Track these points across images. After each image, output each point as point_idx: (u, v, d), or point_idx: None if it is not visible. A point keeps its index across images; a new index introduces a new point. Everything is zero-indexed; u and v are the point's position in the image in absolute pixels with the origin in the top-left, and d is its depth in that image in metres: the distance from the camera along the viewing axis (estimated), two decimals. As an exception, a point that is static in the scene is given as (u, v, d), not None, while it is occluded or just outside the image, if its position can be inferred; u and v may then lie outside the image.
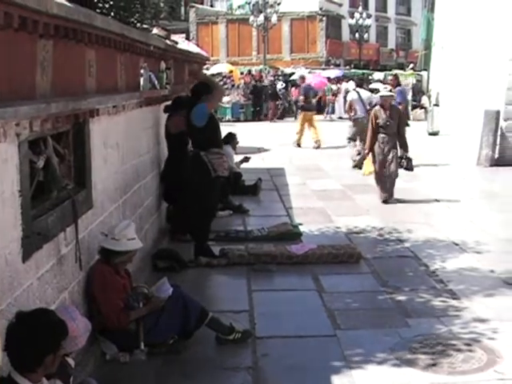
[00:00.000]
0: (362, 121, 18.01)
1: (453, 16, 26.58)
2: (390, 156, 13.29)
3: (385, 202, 13.31)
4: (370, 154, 13.70)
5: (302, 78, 27.44)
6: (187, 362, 6.20)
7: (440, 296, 7.90)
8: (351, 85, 22.71)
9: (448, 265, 9.14)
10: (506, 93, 18.80)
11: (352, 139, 18.83)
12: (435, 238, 10.50)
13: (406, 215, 12.13)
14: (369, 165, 14.13)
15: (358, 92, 19.17)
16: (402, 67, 51.65)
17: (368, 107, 17.80)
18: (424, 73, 39.56)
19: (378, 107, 13.68)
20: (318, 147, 22.97)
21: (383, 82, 30.22)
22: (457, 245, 10.15)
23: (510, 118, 18.78)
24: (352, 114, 18.84)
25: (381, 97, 13.85)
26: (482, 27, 21.49)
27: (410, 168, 13.75)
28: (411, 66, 46.46)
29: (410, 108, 21.16)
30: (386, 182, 13.41)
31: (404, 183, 14.25)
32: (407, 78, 38.25)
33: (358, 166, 17.04)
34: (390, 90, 14.71)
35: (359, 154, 17.51)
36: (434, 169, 17.73)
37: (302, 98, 25.13)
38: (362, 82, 21.44)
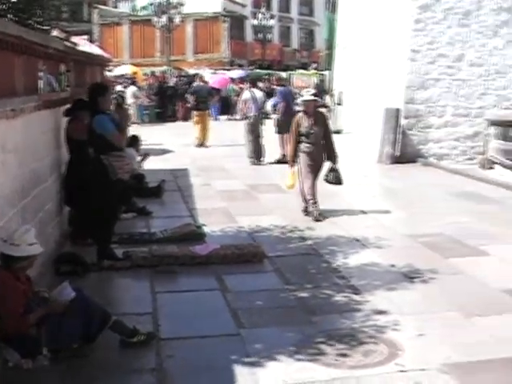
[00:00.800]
0: (255, 119, 19.17)
1: (354, 17, 26.99)
2: (316, 168, 12.03)
3: (317, 220, 11.76)
4: (293, 166, 12.17)
5: (200, 78, 27.61)
6: (91, 365, 6.12)
7: (342, 292, 8.02)
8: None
9: (350, 261, 9.30)
10: (406, 91, 19.26)
11: (248, 137, 19.43)
12: (337, 234, 10.66)
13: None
14: (292, 177, 12.14)
15: (252, 92, 19.86)
16: (305, 67, 52.21)
17: (260, 107, 19.35)
18: (327, 72, 40.05)
19: (300, 113, 12.22)
20: (201, 146, 23.63)
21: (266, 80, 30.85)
22: (358, 241, 10.33)
23: (409, 115, 19.24)
24: (246, 112, 19.53)
25: (303, 102, 12.25)
26: (382, 28, 21.94)
27: (337, 182, 12.33)
28: (314, 65, 47.10)
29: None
30: (311, 194, 12.00)
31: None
32: (310, 78, 38.71)
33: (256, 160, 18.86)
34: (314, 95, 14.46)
35: (255, 151, 19.03)
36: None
37: (191, 98, 25.42)
38: (255, 82, 21.70)
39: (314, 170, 12.02)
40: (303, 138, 11.93)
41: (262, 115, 20.10)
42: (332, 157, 12.09)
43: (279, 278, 8.71)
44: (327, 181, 12.28)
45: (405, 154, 18.86)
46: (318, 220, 11.72)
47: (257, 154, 19.18)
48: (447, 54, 19.44)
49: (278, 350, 6.32)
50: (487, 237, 10.65)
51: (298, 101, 13.88)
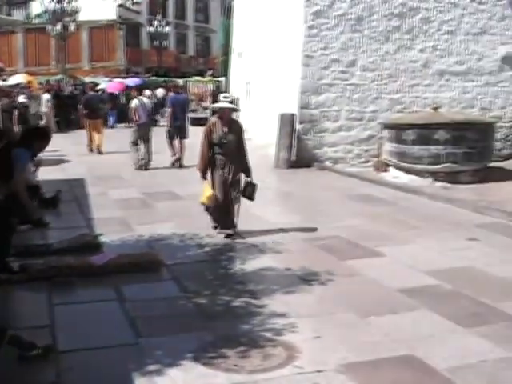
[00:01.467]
0: (145, 126, 19.74)
1: (249, 23, 27.21)
2: (230, 181, 10.92)
3: (229, 236, 10.97)
4: (207, 178, 11.05)
5: (90, 87, 27.52)
6: (-13, 382, 6.00)
7: (240, 297, 8.05)
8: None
9: (247, 266, 9.35)
10: (300, 96, 19.50)
11: (135, 143, 19.68)
12: (235, 241, 10.72)
13: (206, 221, 12.22)
14: (206, 190, 10.87)
15: (140, 99, 20.32)
16: (201, 73, 52.19)
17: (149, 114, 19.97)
18: (223, 79, 40.23)
19: (214, 119, 11.17)
20: (92, 151, 24.06)
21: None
22: (256, 246, 10.40)
23: (304, 120, 19.49)
24: (136, 119, 19.80)
25: (219, 109, 11.28)
26: (277, 33, 22.19)
27: (251, 197, 11.23)
28: (210, 72, 47.16)
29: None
30: (226, 212, 11.01)
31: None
32: (207, 85, 38.75)
33: (144, 166, 19.33)
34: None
35: (143, 158, 19.45)
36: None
37: (80, 106, 25.55)
38: (143, 90, 21.85)
39: (227, 183, 10.89)
40: (216, 148, 10.83)
41: (152, 122, 20.59)
42: (246, 170, 11.08)
43: (177, 285, 8.69)
44: (244, 196, 11.18)
45: (301, 159, 19.09)
46: (228, 236, 10.99)
47: (145, 161, 19.55)
48: (340, 59, 19.79)
49: (177, 357, 6.30)
50: (382, 238, 10.92)
51: (214, 106, 12.97)
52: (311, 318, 7.35)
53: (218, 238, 10.98)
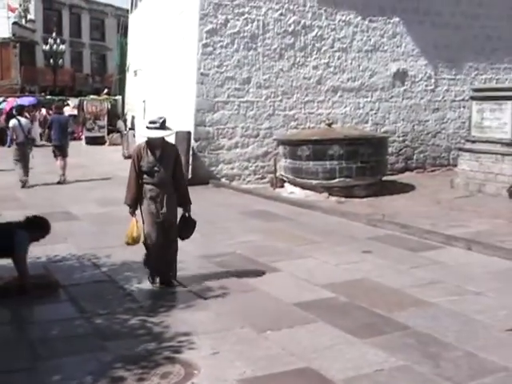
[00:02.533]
0: (22, 145, 19.91)
1: (145, 41, 27.16)
2: (164, 219, 9.12)
3: (167, 284, 9.27)
4: (134, 219, 9.19)
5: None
6: None
7: (137, 316, 8.01)
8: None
9: (144, 285, 9.29)
10: (196, 114, 19.52)
11: (18, 161, 19.87)
12: (132, 260, 10.53)
13: (103, 240, 12.08)
14: (133, 229, 9.11)
15: (18, 119, 20.25)
16: (97, 92, 51.66)
17: (27, 133, 19.96)
18: (119, 97, 39.95)
19: (143, 143, 9.25)
20: None
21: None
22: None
23: (200, 138, 19.52)
24: (15, 138, 20.14)
25: (150, 140, 9.10)
26: (172, 51, 22.23)
27: (187, 236, 9.50)
28: (106, 90, 46.72)
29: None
30: (160, 257, 9.19)
31: (100, 207, 14.24)
32: (103, 103, 38.35)
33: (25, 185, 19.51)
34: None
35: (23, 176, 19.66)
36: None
37: None
38: (22, 110, 21.58)
39: (162, 221, 9.12)
40: (146, 178, 9.05)
41: (29, 141, 20.38)
42: (185, 202, 9.30)
43: (74, 306, 8.56)
44: (180, 235, 9.40)
45: (197, 176, 19.07)
46: (164, 284, 9.34)
47: (23, 179, 19.72)
48: (235, 76, 19.92)
49: (75, 379, 6.22)
50: (278, 253, 11.03)
51: (141, 133, 10.43)
52: (209, 334, 7.35)
53: (115, 257, 10.82)
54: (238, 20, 19.97)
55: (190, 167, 19.17)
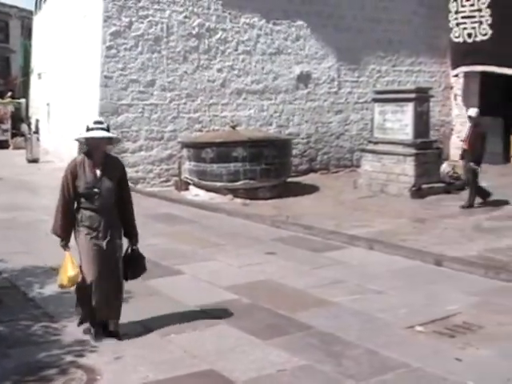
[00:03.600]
0: None
1: (49, 43, 26.73)
2: (109, 253, 7.26)
3: (108, 334, 7.34)
4: (67, 253, 7.23)
5: None
6: None
7: (39, 322, 7.89)
8: None
9: (46, 290, 9.13)
10: (100, 117, 19.25)
11: None
12: (33, 265, 10.40)
13: (4, 246, 11.83)
14: (67, 266, 7.16)
15: None
16: (1, 95, 50.55)
17: None
18: (23, 100, 39.19)
19: (80, 158, 7.27)
20: None
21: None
22: (54, 270, 10.14)
23: (105, 141, 19.25)
24: None
25: (90, 140, 7.23)
26: (76, 54, 21.97)
27: (133, 275, 7.64)
28: (10, 93, 45.75)
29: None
30: (99, 301, 7.23)
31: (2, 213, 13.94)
32: (6, 106, 37.54)
33: None
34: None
35: None
36: (35, 197, 17.62)
37: None
38: None
39: (104, 256, 7.23)
40: (83, 201, 7.19)
41: None
42: (130, 232, 7.52)
43: (-23, 314, 8.36)
44: (125, 275, 7.50)
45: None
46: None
47: None
48: (139, 79, 19.78)
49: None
50: (182, 256, 11.04)
51: (79, 138, 7.50)
52: (111, 340, 7.26)
53: (17, 262, 10.58)
54: (142, 22, 19.83)
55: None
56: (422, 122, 17.51)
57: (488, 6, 23.02)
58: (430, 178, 16.93)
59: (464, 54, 24.07)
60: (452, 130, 25.65)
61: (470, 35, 23.78)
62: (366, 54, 23.42)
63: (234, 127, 18.61)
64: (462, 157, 15.61)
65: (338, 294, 8.85)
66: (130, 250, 7.53)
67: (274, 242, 12.21)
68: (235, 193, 17.14)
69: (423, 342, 7.24)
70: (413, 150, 17.06)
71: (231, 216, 14.87)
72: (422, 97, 18.03)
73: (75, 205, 7.25)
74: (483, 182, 15.46)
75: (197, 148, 17.89)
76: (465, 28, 23.97)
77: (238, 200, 16.82)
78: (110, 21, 19.50)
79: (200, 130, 20.23)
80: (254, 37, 21.38)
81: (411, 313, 8.15)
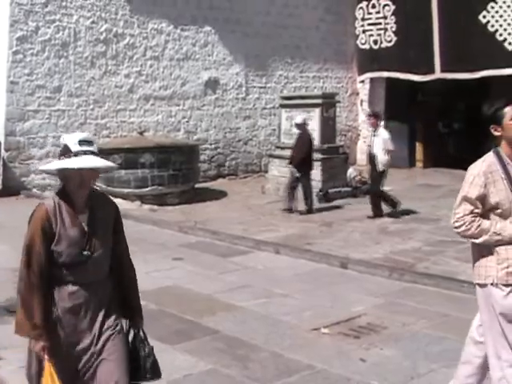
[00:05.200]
0: None
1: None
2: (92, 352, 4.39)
3: None
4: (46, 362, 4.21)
5: None
6: None
7: None
8: None
9: None
10: (6, 124, 18.90)
11: None
12: None
13: None
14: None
15: None
16: None
17: None
18: None
19: (51, 201, 4.37)
20: None
21: None
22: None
23: (11, 148, 18.90)
24: None
25: (61, 172, 4.37)
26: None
27: (145, 375, 4.67)
28: None
29: None
30: None
31: None
32: None
33: None
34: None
35: None
36: None
37: None
38: None
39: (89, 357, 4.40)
40: (64, 273, 4.34)
41: None
42: (133, 309, 4.70)
43: None
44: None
45: (8, 187, 18.46)
46: None
47: None
48: (46, 85, 19.47)
49: None
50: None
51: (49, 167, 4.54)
52: (16, 348, 7.13)
53: None
54: (48, 27, 19.53)
55: (1, 178, 18.55)
56: (328, 128, 17.79)
57: (393, 14, 23.57)
58: (336, 182, 17.21)
59: (370, 60, 24.57)
60: (359, 135, 26.08)
61: (375, 42, 24.28)
62: (273, 60, 23.62)
63: (141, 133, 18.53)
64: (290, 162, 15.82)
65: (244, 299, 8.93)
66: (130, 337, 4.61)
67: (181, 247, 12.21)
68: (143, 199, 17.05)
69: (328, 344, 7.37)
70: (319, 155, 17.29)
71: (139, 222, 14.77)
72: (328, 102, 18.32)
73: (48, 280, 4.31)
74: (386, 187, 15.76)
75: (104, 154, 17.44)
76: (371, 35, 24.46)
77: (146, 206, 16.75)
78: (17, 25, 19.14)
79: (108, 136, 20.05)
80: (162, 42, 21.32)
81: (316, 315, 8.29)
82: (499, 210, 4.87)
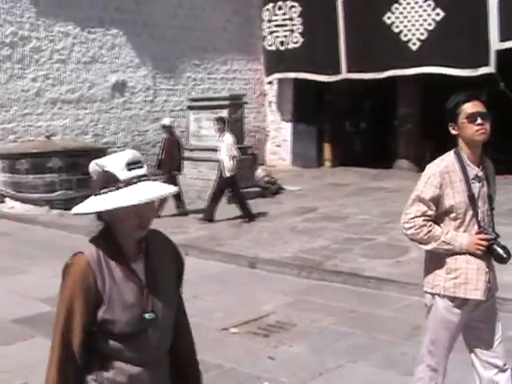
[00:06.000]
0: None
1: None
2: None
3: None
4: None
5: None
6: None
7: None
8: None
9: None
10: None
11: None
12: None
13: None
14: None
15: None
16: None
17: None
18: None
19: (94, 251, 3.03)
20: None
21: None
22: None
23: None
24: None
25: (110, 212, 3.19)
26: None
27: None
28: None
29: None
30: None
31: None
32: None
33: None
34: None
35: None
36: None
37: None
38: None
39: None
40: (116, 349, 2.98)
41: None
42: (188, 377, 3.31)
43: None
44: None
45: None
46: None
47: None
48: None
49: None
50: (-4, 270, 10.72)
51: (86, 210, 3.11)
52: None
53: None
54: (-47, 31, 19.15)
55: None
56: (236, 129, 17.87)
57: (299, 15, 23.82)
58: (245, 183, 17.31)
59: (277, 61, 24.77)
60: (267, 135, 26.27)
61: (282, 43, 24.50)
62: (181, 62, 23.60)
63: (49, 137, 18.31)
64: (159, 167, 15.90)
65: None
66: None
67: (91, 251, 12.10)
68: (51, 204, 16.83)
69: (237, 343, 7.46)
70: (228, 156, 17.37)
71: (47, 227, 14.63)
72: (235, 104, 18.44)
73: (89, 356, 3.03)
74: (289, 186, 15.91)
75: (11, 159, 17.46)
76: (277, 36, 24.67)
77: (55, 211, 16.54)
78: None
79: (15, 141, 19.67)
80: (68, 45, 21.05)
81: (226, 315, 8.37)
82: (453, 214, 4.63)
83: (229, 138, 14.89)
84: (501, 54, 19.04)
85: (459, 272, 4.62)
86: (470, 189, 4.57)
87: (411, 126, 22.72)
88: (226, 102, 18.13)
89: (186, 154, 18.43)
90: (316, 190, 18.25)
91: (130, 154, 3.04)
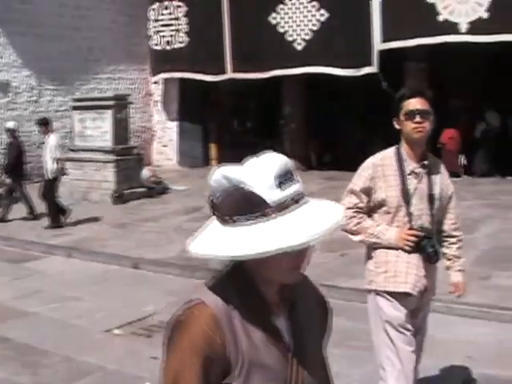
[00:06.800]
0: None
1: None
2: None
3: None
4: None
5: None
6: None
7: None
8: None
9: None
10: None
11: None
12: None
13: None
14: None
15: None
16: None
17: None
18: None
19: (221, 304, 2.11)
20: None
21: None
22: None
23: None
24: None
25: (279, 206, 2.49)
26: None
27: None
28: None
29: None
30: None
31: None
32: None
33: None
34: None
35: None
36: None
37: None
38: None
39: None
40: None
41: None
42: None
43: None
44: None
45: None
46: None
47: None
48: None
49: None
50: None
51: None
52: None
53: None
54: None
55: None
56: (121, 129, 17.84)
57: (185, 15, 23.86)
58: (131, 183, 17.30)
59: (163, 61, 24.73)
60: (153, 135, 26.20)
61: (168, 43, 24.48)
62: (66, 61, 23.22)
63: None
64: (6, 172, 15.66)
65: (36, 304, 8.90)
66: None
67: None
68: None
69: (120, 345, 7.52)
70: (113, 157, 17.33)
71: None
72: (120, 104, 18.36)
73: None
74: (176, 186, 15.98)
75: None
76: (163, 36, 24.64)
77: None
78: None
79: None
80: (-52, 45, 20.56)
81: (108, 317, 8.40)
82: (385, 208, 4.53)
83: (53, 139, 14.63)
84: (383, 53, 19.51)
85: (389, 265, 4.53)
86: (404, 183, 4.49)
87: (295, 125, 23.01)
88: (111, 102, 18.04)
89: (71, 154, 18.28)
90: (202, 190, 18.30)
91: (277, 163, 2.14)
